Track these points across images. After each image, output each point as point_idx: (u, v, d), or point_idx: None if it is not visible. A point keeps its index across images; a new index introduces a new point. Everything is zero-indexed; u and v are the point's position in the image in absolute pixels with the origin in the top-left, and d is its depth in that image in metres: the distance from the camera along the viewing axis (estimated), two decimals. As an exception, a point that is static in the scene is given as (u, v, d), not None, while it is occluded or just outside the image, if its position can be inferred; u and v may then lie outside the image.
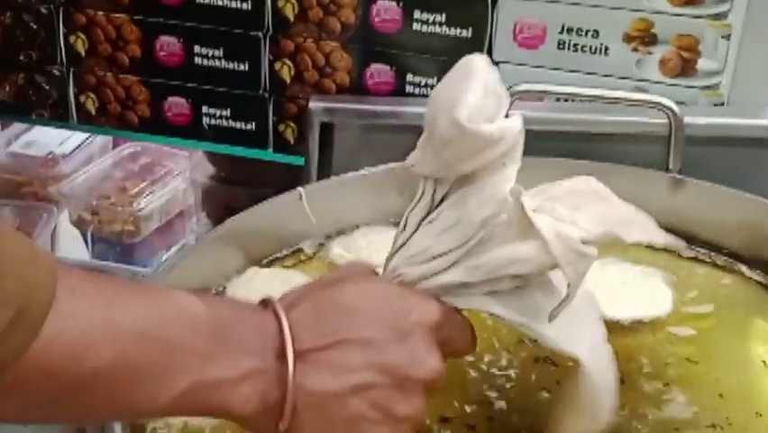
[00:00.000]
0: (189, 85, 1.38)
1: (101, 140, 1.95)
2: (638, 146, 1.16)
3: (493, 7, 1.24)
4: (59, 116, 1.45)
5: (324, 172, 1.25)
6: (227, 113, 1.38)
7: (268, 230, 1.07)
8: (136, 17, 1.36)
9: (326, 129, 1.27)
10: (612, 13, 1.21)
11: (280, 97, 1.35)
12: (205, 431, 0.84)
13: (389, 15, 1.27)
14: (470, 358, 0.90)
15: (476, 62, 0.73)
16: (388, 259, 0.76)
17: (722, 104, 1.22)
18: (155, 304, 0.66)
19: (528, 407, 0.87)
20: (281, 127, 1.37)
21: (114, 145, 1.98)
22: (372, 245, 1.04)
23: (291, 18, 1.30)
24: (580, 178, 0.77)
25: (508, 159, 0.73)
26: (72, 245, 1.91)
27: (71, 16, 1.38)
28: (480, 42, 1.25)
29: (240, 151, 1.41)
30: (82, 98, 1.42)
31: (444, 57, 1.27)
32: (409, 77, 1.29)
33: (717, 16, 1.18)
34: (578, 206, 0.73)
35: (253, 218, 1.06)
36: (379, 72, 1.31)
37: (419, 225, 0.75)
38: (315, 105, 1.27)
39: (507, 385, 0.89)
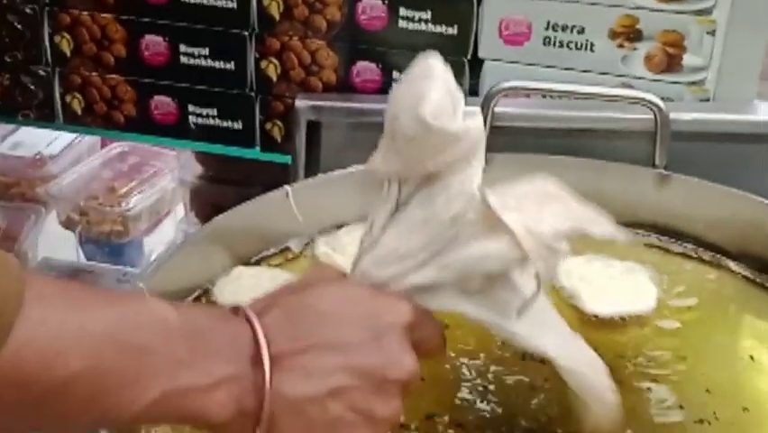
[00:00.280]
0: (175, 84, 1.37)
1: (89, 140, 1.95)
2: (624, 142, 1.16)
3: (478, 4, 1.24)
4: (45, 117, 1.44)
5: (311, 171, 1.25)
6: (214, 112, 1.38)
7: (255, 229, 1.07)
8: (121, 16, 1.35)
9: (313, 127, 1.27)
10: (597, 9, 1.21)
11: (267, 96, 1.35)
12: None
13: (375, 13, 1.27)
14: (452, 354, 0.90)
15: (434, 63, 0.73)
16: (355, 262, 0.76)
17: (707, 99, 1.22)
18: (126, 311, 0.66)
19: (516, 404, 0.87)
20: (268, 126, 1.37)
21: (102, 145, 1.98)
22: (357, 243, 1.03)
23: (277, 16, 1.30)
24: (540, 178, 0.76)
25: (473, 157, 0.73)
26: (61, 246, 1.91)
27: (56, 16, 1.37)
28: (465, 39, 1.25)
29: (227, 150, 1.40)
30: (68, 98, 1.42)
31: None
32: (395, 74, 1.29)
33: (702, 12, 1.18)
34: (542, 204, 0.73)
35: (240, 217, 1.06)
36: (366, 70, 1.30)
37: (386, 226, 0.74)
38: (301, 103, 1.27)
39: (494, 382, 0.89)
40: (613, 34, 1.22)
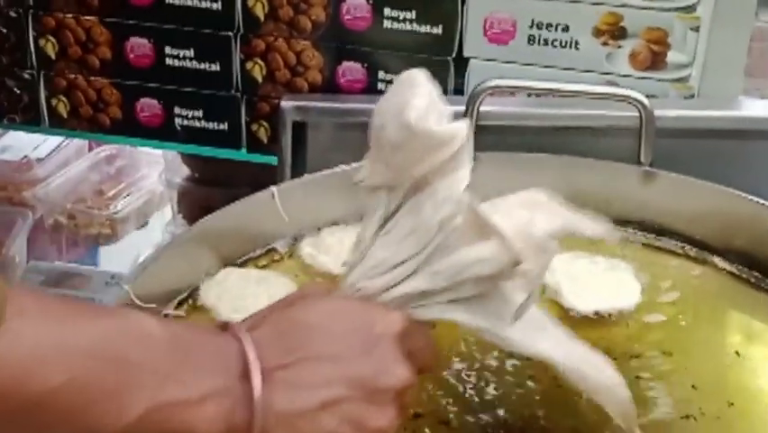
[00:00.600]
0: (161, 86, 1.38)
1: (76, 143, 1.94)
2: (609, 140, 1.17)
3: (463, 3, 1.24)
4: (30, 120, 1.44)
5: (298, 171, 1.25)
6: (199, 113, 1.38)
7: (241, 230, 1.07)
8: (106, 19, 1.35)
9: (299, 128, 1.27)
10: (581, 7, 1.21)
11: (252, 97, 1.35)
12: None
13: (360, 13, 1.27)
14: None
15: (418, 75, 0.73)
16: (346, 275, 0.75)
17: (692, 96, 1.23)
18: (109, 324, 0.65)
19: (503, 402, 0.87)
20: (254, 127, 1.37)
21: (90, 149, 1.97)
22: (343, 242, 1.03)
23: (262, 17, 1.30)
24: (529, 191, 0.77)
25: (459, 161, 0.73)
26: (48, 250, 1.90)
27: (41, 19, 1.37)
28: (450, 39, 1.26)
29: (213, 151, 1.41)
30: (53, 102, 1.42)
31: (416, 53, 1.27)
32: (381, 74, 1.30)
33: (686, 9, 1.19)
34: (532, 210, 0.73)
35: (226, 219, 1.06)
36: (351, 70, 1.31)
37: (375, 238, 0.74)
38: (286, 104, 1.27)
39: (482, 381, 0.89)
40: (597, 32, 1.22)
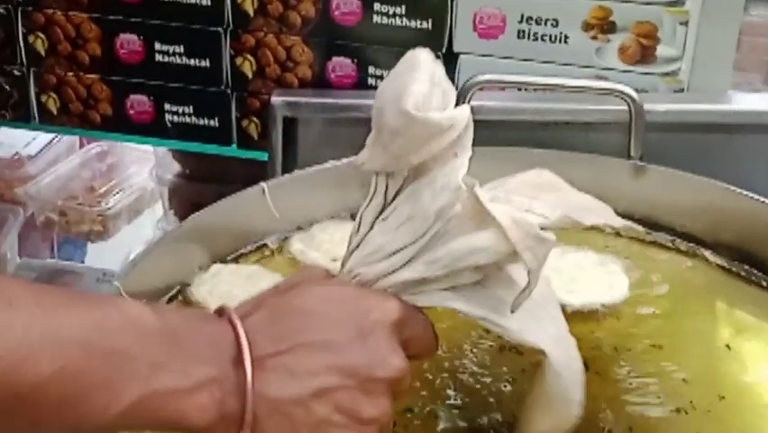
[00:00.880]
0: (151, 82, 1.38)
1: (67, 140, 1.95)
2: (600, 134, 1.17)
3: (452, -2, 1.24)
4: (20, 117, 1.44)
5: (288, 167, 1.25)
6: (190, 109, 1.38)
7: (232, 226, 1.07)
8: (95, 15, 1.35)
9: (289, 123, 1.27)
10: (571, 1, 1.22)
11: (243, 93, 1.35)
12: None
13: (349, 8, 1.27)
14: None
15: (421, 56, 0.73)
16: (344, 261, 0.75)
17: (681, 90, 1.23)
18: (99, 313, 0.64)
19: (495, 396, 0.87)
20: (245, 123, 1.37)
21: (81, 145, 1.97)
22: (333, 238, 1.04)
23: (251, 13, 1.30)
24: (534, 170, 0.76)
25: (459, 148, 0.72)
26: (39, 247, 1.90)
27: (30, 16, 1.37)
28: (440, 34, 1.26)
29: (204, 147, 1.41)
30: (43, 98, 1.42)
31: (405, 49, 1.26)
32: (371, 69, 1.30)
33: (675, 3, 1.19)
34: (534, 196, 0.73)
35: (217, 215, 1.06)
36: (341, 65, 1.31)
37: (374, 223, 0.73)
38: (277, 99, 1.27)
39: (474, 375, 0.89)
40: (587, 26, 1.22)
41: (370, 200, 0.74)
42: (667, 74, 1.22)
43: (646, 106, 1.12)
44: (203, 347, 0.66)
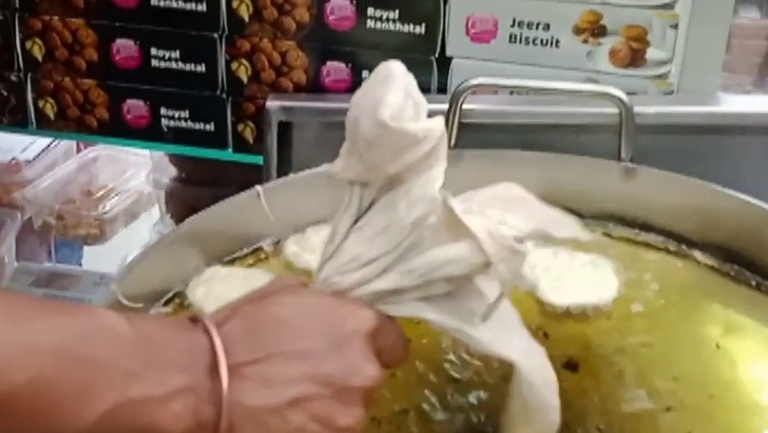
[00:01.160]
0: (147, 87, 1.38)
1: (64, 145, 1.95)
2: (590, 136, 1.17)
3: (445, 3, 1.25)
4: (18, 122, 1.45)
5: (283, 171, 1.25)
6: (186, 114, 1.38)
7: (227, 229, 1.07)
8: (92, 21, 1.36)
9: (284, 128, 1.27)
10: (562, 5, 1.22)
11: (238, 97, 1.36)
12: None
13: (343, 13, 1.28)
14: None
15: (394, 67, 0.72)
16: (318, 270, 0.75)
17: (671, 92, 1.24)
18: (73, 321, 0.64)
19: (486, 398, 0.88)
20: (240, 127, 1.37)
21: (78, 150, 1.98)
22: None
23: (246, 18, 1.31)
24: (502, 184, 0.76)
25: (434, 159, 0.72)
26: (37, 251, 1.91)
27: (27, 22, 1.38)
28: (433, 38, 1.27)
29: (200, 151, 1.41)
30: (41, 103, 1.43)
31: (399, 53, 1.27)
32: (365, 73, 1.30)
33: (665, 6, 1.19)
34: (506, 208, 0.73)
35: (213, 218, 1.06)
36: (336, 70, 1.31)
37: (348, 233, 0.74)
38: (272, 104, 1.28)
39: (465, 377, 0.90)
40: (578, 30, 1.23)
41: (345, 210, 0.74)
42: (657, 77, 1.23)
43: (637, 109, 1.13)
44: (177, 355, 0.66)
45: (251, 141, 1.37)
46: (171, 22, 1.33)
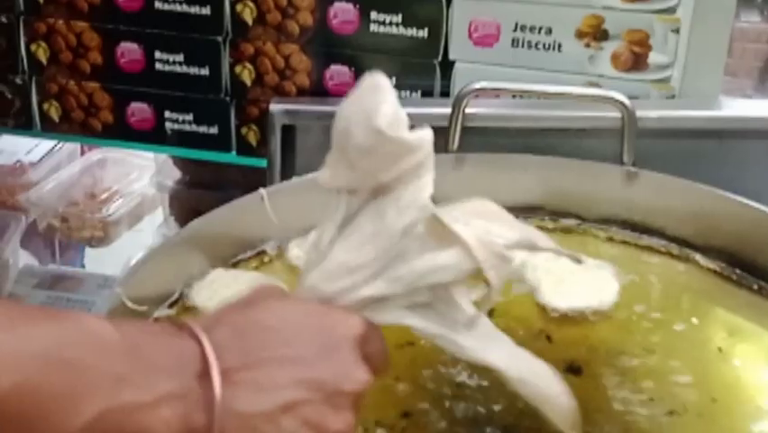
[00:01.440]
0: (151, 90, 1.38)
1: (68, 147, 1.96)
2: (592, 140, 1.18)
3: (448, 7, 1.25)
4: (22, 125, 1.45)
5: (287, 174, 1.26)
6: (190, 117, 1.39)
7: (231, 232, 1.08)
8: (96, 24, 1.36)
9: (288, 131, 1.27)
10: (564, 10, 1.23)
11: (242, 101, 1.36)
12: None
13: (347, 17, 1.28)
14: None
15: (381, 80, 0.72)
16: (304, 277, 0.74)
17: (673, 96, 1.24)
18: (60, 328, 0.64)
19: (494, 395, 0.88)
20: (244, 130, 1.38)
21: (82, 152, 1.98)
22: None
23: (250, 22, 1.31)
24: (477, 200, 0.77)
25: (423, 168, 0.72)
26: (41, 253, 1.91)
27: (32, 25, 1.38)
28: (436, 42, 1.27)
29: (203, 154, 1.41)
30: (45, 106, 1.43)
31: (402, 57, 1.28)
32: (368, 77, 1.30)
33: (666, 11, 1.20)
34: (488, 219, 0.73)
35: (216, 221, 1.06)
36: (339, 73, 1.32)
37: (334, 240, 0.74)
38: (275, 107, 1.28)
39: (468, 377, 0.90)
40: (580, 34, 1.23)
41: (330, 218, 0.75)
42: (659, 81, 1.23)
43: (639, 113, 1.13)
44: (166, 361, 0.65)
45: (254, 144, 1.38)
46: (175, 25, 1.33)
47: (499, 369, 0.74)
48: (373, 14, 1.27)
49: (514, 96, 1.24)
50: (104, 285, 1.76)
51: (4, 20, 1.39)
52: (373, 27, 1.28)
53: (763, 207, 1.04)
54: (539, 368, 0.76)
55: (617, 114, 1.12)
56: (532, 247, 0.75)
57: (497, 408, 0.87)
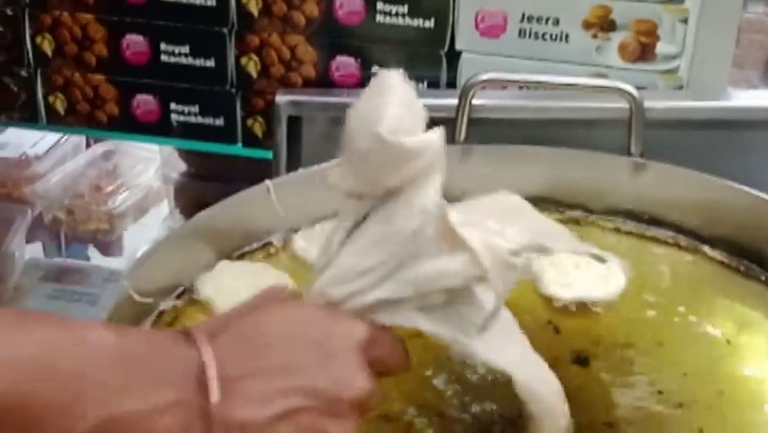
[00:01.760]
0: (157, 82, 1.38)
1: (74, 140, 1.96)
2: (600, 131, 1.18)
3: (454, -3, 1.25)
4: (28, 118, 1.45)
5: (293, 165, 1.26)
6: (195, 109, 1.38)
7: (237, 224, 1.07)
8: (102, 16, 1.36)
9: (294, 122, 1.27)
10: (571, 0, 1.22)
11: (247, 92, 1.36)
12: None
13: (353, 8, 1.28)
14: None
15: (391, 77, 0.72)
16: (312, 281, 0.74)
17: (681, 87, 1.24)
18: (57, 335, 0.63)
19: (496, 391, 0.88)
20: (249, 122, 1.38)
21: (87, 145, 1.99)
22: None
23: (255, 13, 1.31)
24: (501, 193, 0.76)
25: (433, 171, 0.71)
26: (47, 246, 1.91)
27: (37, 17, 1.38)
28: (442, 32, 1.27)
29: (209, 146, 1.41)
30: (51, 99, 1.43)
31: (408, 47, 1.28)
32: (374, 68, 1.30)
33: (674, 1, 1.19)
34: (504, 219, 0.73)
35: (222, 213, 1.06)
36: (345, 64, 1.32)
37: (344, 243, 0.73)
38: (281, 99, 1.28)
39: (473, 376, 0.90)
40: (587, 25, 1.23)
41: (340, 220, 0.74)
42: (666, 71, 1.23)
43: (646, 104, 1.12)
44: (165, 371, 0.65)
45: (260, 136, 1.38)
46: (181, 17, 1.33)
47: (510, 374, 0.74)
48: (379, 5, 1.27)
49: (521, 87, 1.24)
50: (109, 278, 1.76)
51: (9, 12, 1.39)
52: (379, 18, 1.27)
53: (770, 198, 1.04)
54: (550, 381, 0.75)
55: (624, 104, 1.12)
56: (542, 250, 0.74)
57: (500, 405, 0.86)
